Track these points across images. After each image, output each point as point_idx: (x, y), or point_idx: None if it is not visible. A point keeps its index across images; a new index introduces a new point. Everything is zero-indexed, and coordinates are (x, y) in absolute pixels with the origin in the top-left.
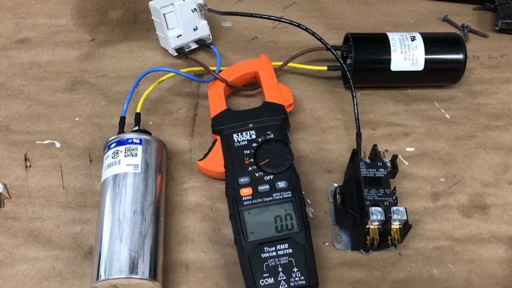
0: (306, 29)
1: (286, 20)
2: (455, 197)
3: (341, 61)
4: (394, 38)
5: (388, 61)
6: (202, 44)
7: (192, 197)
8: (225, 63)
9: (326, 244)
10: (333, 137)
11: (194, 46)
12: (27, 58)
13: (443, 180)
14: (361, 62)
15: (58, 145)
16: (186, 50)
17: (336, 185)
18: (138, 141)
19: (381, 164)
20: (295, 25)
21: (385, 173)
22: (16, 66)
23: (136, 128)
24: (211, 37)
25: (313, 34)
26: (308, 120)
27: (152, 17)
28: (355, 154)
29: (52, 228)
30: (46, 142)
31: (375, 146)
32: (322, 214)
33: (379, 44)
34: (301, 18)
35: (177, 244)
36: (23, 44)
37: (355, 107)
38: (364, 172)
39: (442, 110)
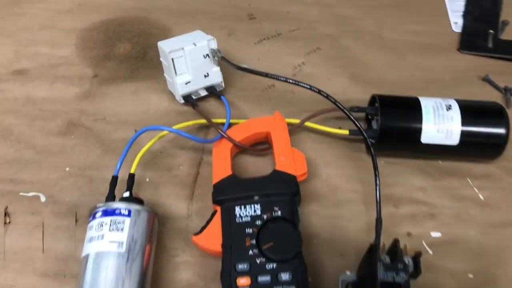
0: (319, 92)
1: (300, 83)
2: None
3: (363, 131)
4: (427, 106)
5: (419, 132)
6: (213, 92)
7: (184, 274)
8: (235, 113)
9: None
10: (349, 213)
11: (204, 93)
12: (22, 93)
13: (472, 276)
14: (388, 130)
15: (43, 199)
16: (195, 98)
17: (348, 273)
18: (127, 213)
19: (402, 267)
20: (306, 87)
21: (406, 278)
22: (9, 101)
23: (127, 194)
24: (223, 84)
25: (327, 96)
26: (323, 189)
27: (161, 59)
28: (373, 251)
29: None
30: (31, 194)
31: (396, 241)
32: None
33: (409, 110)
34: (324, 67)
35: None
36: (19, 76)
37: (377, 188)
38: (381, 276)
39: (476, 189)
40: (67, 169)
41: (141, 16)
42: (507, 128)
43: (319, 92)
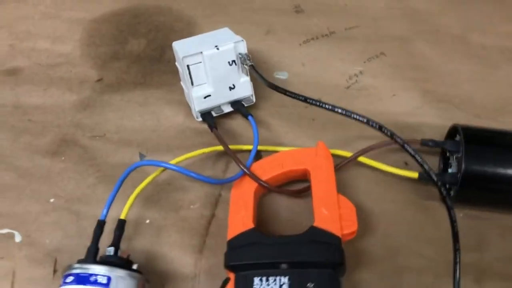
0: (380, 129)
1: (354, 115)
2: None
3: (436, 179)
4: None
5: None
6: (239, 109)
7: None
8: (268, 137)
9: None
10: (414, 286)
11: (228, 109)
12: (11, 98)
13: None
14: (474, 175)
15: (18, 238)
16: (215, 115)
17: None
18: (105, 281)
19: None
20: (361, 121)
21: None
22: None
23: (111, 250)
24: (254, 98)
25: (391, 136)
26: (377, 251)
27: (176, 63)
28: None
29: None
30: (4, 231)
31: None
32: None
33: (505, 150)
34: (388, 78)
35: None
36: (11, 77)
37: (457, 254)
38: None
39: None
40: (52, 200)
41: (162, 5)
42: None
43: (381, 129)
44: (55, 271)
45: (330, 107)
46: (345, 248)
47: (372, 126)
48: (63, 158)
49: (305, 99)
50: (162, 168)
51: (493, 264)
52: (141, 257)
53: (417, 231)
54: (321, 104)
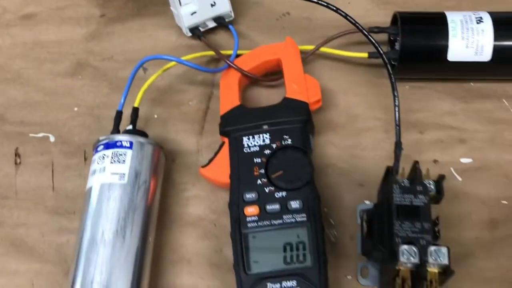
0: (337, 11)
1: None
2: None
3: (380, 49)
4: (454, 20)
5: (445, 49)
6: (221, 22)
7: (194, 209)
8: (248, 45)
9: (348, 277)
10: (370, 141)
11: (212, 24)
12: (31, 37)
13: (506, 203)
14: (410, 49)
15: (52, 139)
16: (202, 30)
17: (368, 202)
18: (128, 145)
19: (421, 189)
20: (323, 5)
21: (425, 201)
22: (18, 46)
23: (130, 127)
24: (233, 14)
25: (345, 16)
26: (341, 119)
27: None
28: (389, 173)
29: (37, 237)
30: (40, 135)
31: (416, 163)
32: (346, 239)
33: (434, 26)
34: None
35: (171, 265)
36: (28, 21)
37: (396, 108)
38: (398, 199)
39: None
40: (76, 109)
41: None
42: None
43: (337, 10)
44: (85, 159)
45: None
46: (316, 118)
47: (338, 12)
48: (80, 77)
49: None
50: (161, 70)
51: (432, 119)
52: (153, 141)
53: (372, 101)
54: None
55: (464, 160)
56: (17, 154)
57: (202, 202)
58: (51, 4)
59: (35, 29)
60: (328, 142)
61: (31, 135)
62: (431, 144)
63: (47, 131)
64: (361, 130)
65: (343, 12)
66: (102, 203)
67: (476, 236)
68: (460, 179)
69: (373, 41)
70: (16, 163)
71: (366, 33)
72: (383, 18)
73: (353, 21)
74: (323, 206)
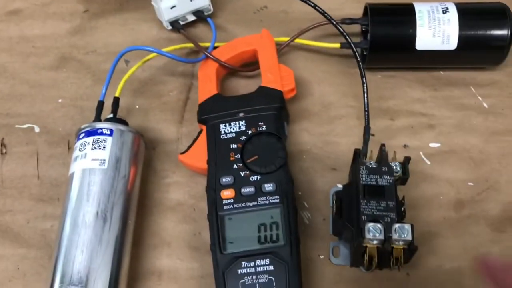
0: (309, 2)
1: None
2: (484, 206)
3: (350, 39)
4: (421, 10)
5: (413, 38)
6: (200, 16)
7: (174, 194)
8: (226, 37)
9: (321, 257)
10: (342, 128)
11: (191, 18)
12: (16, 32)
13: (472, 184)
14: (380, 39)
15: (37, 129)
16: (182, 24)
17: (340, 186)
18: (109, 132)
19: (386, 170)
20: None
21: (390, 181)
22: (4, 41)
23: (111, 116)
24: (211, 7)
25: (314, 7)
26: (315, 107)
27: None
28: (357, 156)
29: (22, 223)
30: (25, 126)
31: (382, 146)
32: (319, 221)
33: (402, 17)
34: None
35: (152, 249)
36: (13, 16)
37: (365, 95)
38: (364, 179)
39: (480, 97)
40: (60, 100)
41: None
42: (510, 29)
43: (307, 2)
44: (69, 148)
45: None
46: (291, 107)
47: (307, 2)
48: (64, 70)
49: None
50: (142, 61)
51: (403, 107)
52: (133, 129)
53: (345, 90)
54: None
55: (432, 145)
56: (3, 145)
57: (181, 188)
58: (36, 0)
59: (20, 24)
60: (303, 129)
61: (16, 126)
62: (402, 130)
63: (32, 122)
64: (335, 117)
65: (312, 3)
66: (83, 187)
67: (444, 216)
68: (428, 162)
69: (343, 32)
70: (1, 153)
71: (337, 24)
72: (358, 11)
73: (324, 13)
74: (297, 189)
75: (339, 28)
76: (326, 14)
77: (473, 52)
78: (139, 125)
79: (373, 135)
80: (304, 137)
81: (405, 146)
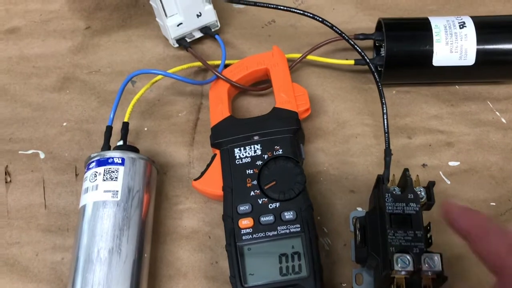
0: (322, 21)
1: (303, 12)
2: (509, 226)
3: (366, 57)
4: (438, 25)
5: (430, 54)
6: (207, 33)
7: (188, 222)
8: (235, 53)
9: (343, 285)
10: (359, 147)
11: (198, 35)
12: (16, 51)
13: (494, 204)
14: (396, 55)
15: (42, 155)
16: (189, 41)
17: (360, 209)
18: (120, 161)
19: (412, 197)
20: (309, 16)
21: (417, 208)
22: (3, 61)
23: (121, 143)
24: (218, 23)
25: (331, 26)
26: (330, 126)
27: (150, 1)
28: (380, 182)
29: (30, 256)
30: (30, 152)
31: (406, 171)
32: (340, 246)
33: (418, 32)
34: None
35: (167, 279)
36: (12, 35)
37: (384, 116)
38: (390, 208)
39: (497, 112)
40: (65, 124)
41: None
42: None
43: (323, 21)
44: (76, 174)
45: (284, 8)
46: (305, 126)
47: (324, 23)
48: (68, 91)
49: (255, 4)
50: (150, 83)
51: (419, 124)
52: (144, 155)
53: (360, 107)
54: (278, 7)
55: (452, 163)
56: (7, 173)
57: (195, 215)
58: (35, 18)
59: (19, 43)
60: (318, 149)
61: (20, 152)
62: (420, 149)
63: (37, 147)
64: (350, 136)
65: (329, 22)
66: (96, 221)
67: None
68: (448, 182)
69: (359, 50)
70: (6, 182)
71: (352, 42)
72: (368, 24)
73: (339, 31)
74: (316, 214)
75: (354, 44)
76: (336, 29)
77: (491, 67)
78: (149, 149)
79: (391, 154)
80: (320, 157)
81: (424, 165)
